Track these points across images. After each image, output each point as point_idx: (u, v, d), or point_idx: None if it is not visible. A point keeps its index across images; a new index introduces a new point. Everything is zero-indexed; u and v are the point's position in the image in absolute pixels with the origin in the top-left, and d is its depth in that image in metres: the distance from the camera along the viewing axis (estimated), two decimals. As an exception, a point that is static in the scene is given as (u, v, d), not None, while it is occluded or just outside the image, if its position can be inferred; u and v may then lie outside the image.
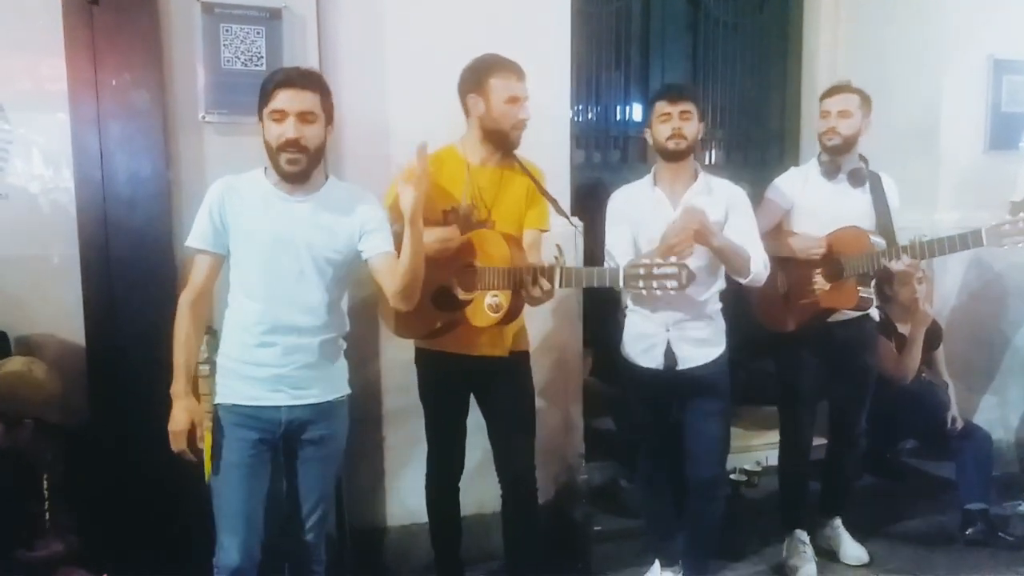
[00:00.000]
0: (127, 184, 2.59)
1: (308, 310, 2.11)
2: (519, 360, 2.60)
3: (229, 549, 2.09)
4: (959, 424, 3.47)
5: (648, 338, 2.69)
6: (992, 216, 3.00)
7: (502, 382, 2.55)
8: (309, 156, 2.05)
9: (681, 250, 2.33)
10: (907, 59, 3.88)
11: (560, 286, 2.25)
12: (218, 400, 2.13)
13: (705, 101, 4.19)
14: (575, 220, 3.11)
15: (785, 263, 2.96)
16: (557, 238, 2.51)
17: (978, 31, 3.79)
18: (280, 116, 2.01)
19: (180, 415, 2.10)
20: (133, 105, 2.57)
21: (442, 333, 2.47)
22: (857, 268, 2.83)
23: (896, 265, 2.77)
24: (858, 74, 3.99)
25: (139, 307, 2.61)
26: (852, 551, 3.18)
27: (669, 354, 2.66)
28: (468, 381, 2.59)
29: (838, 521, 3.24)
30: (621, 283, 2.20)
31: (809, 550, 3.10)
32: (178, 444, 2.11)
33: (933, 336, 3.53)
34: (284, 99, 2.01)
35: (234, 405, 2.11)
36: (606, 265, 2.59)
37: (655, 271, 2.15)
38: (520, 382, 2.61)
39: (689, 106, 2.61)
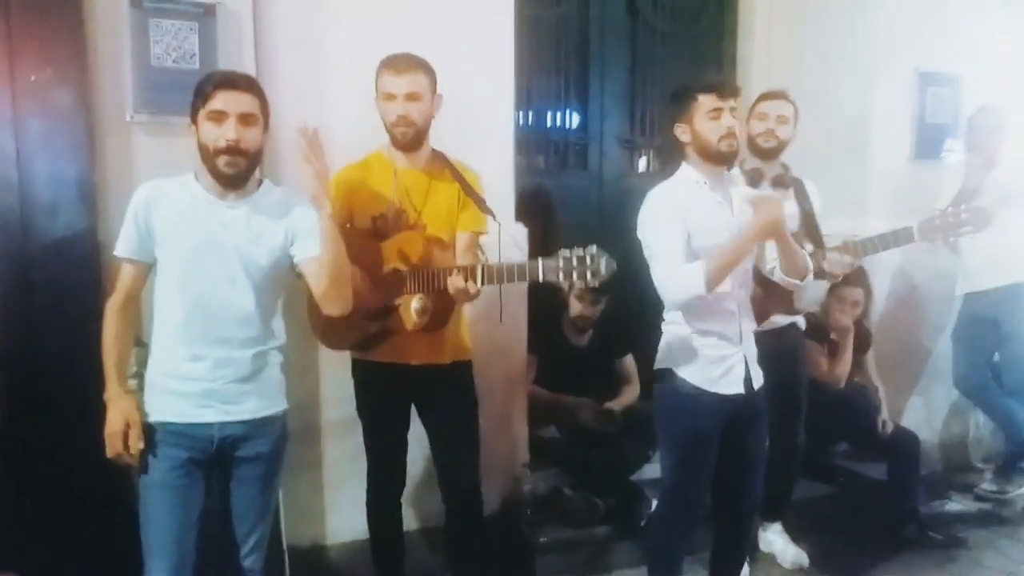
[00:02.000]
0: (48, 187, 2.43)
1: (240, 320, 2.02)
2: (461, 370, 2.54)
3: (158, 573, 1.99)
4: (889, 427, 3.56)
5: (725, 360, 2.38)
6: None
7: (444, 393, 2.49)
8: (248, 160, 1.98)
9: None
10: (838, 70, 4.00)
11: (482, 283, 2.19)
12: (147, 418, 2.02)
13: (642, 109, 4.27)
14: (518, 227, 3.09)
15: None
16: (499, 241, 2.46)
17: (905, 44, 3.93)
18: (219, 117, 1.93)
19: (115, 417, 1.98)
20: (55, 103, 2.41)
21: (373, 343, 2.40)
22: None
23: (835, 265, 2.73)
24: (791, 84, 4.08)
25: (60, 319, 2.45)
26: (791, 554, 3.22)
27: (747, 375, 2.40)
28: (408, 392, 2.51)
29: (778, 526, 3.28)
30: (540, 276, 2.11)
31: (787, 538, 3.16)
32: (114, 448, 1.99)
33: (863, 340, 3.64)
34: (224, 100, 1.93)
35: (163, 423, 2.01)
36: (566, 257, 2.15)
37: (573, 262, 2.07)
38: (462, 393, 2.55)
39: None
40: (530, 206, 3.61)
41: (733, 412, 2.37)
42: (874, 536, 3.44)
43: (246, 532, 2.13)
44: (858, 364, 3.65)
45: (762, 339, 2.65)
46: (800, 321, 3.11)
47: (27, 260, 2.44)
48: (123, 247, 2.01)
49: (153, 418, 2.02)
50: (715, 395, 2.36)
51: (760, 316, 2.55)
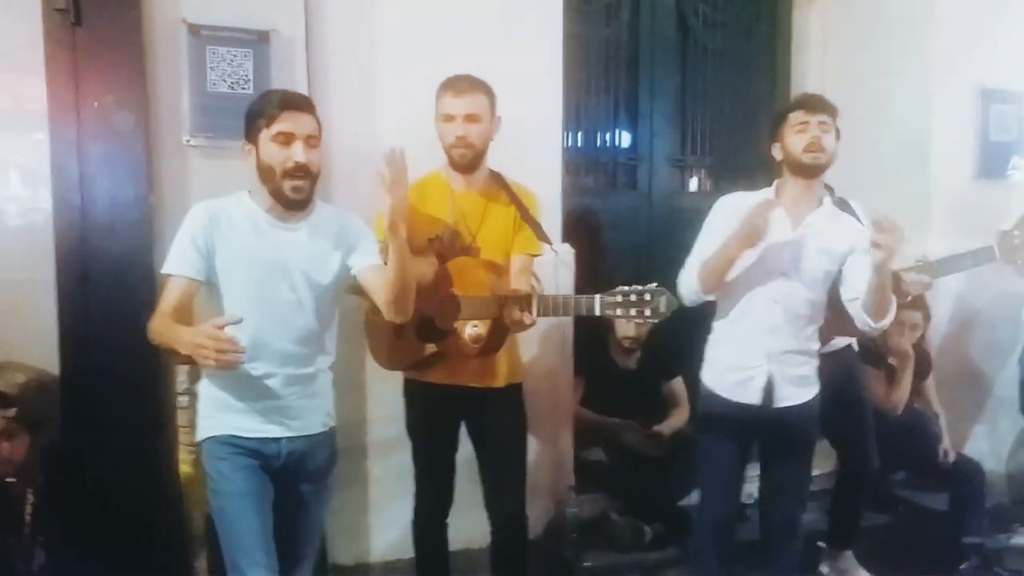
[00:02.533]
0: (107, 208, 2.52)
1: (304, 339, 2.03)
2: (512, 392, 2.53)
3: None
4: (951, 456, 3.43)
5: (745, 370, 2.44)
6: (982, 244, 3.01)
7: (494, 415, 2.48)
8: (312, 181, 1.98)
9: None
10: (895, 86, 3.90)
11: (537, 315, 2.17)
12: (211, 433, 2.01)
13: (693, 128, 4.22)
14: (565, 247, 3.08)
15: None
16: (550, 264, 2.46)
17: (966, 60, 3.81)
18: (287, 139, 1.92)
19: (190, 333, 1.82)
20: (115, 127, 2.50)
21: (428, 365, 2.41)
22: None
23: (914, 285, 2.60)
24: (846, 100, 3.97)
25: (117, 335, 2.51)
26: None
27: (768, 389, 2.43)
28: (459, 413, 2.52)
29: (850, 553, 3.18)
30: (598, 311, 2.10)
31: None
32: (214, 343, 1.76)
33: (923, 366, 3.52)
34: (291, 121, 1.92)
35: (232, 436, 1.99)
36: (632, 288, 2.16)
37: (632, 298, 2.06)
38: (512, 415, 2.54)
39: (828, 118, 2.39)
40: (579, 226, 3.60)
41: (756, 426, 2.43)
42: (933, 569, 3.31)
43: (299, 550, 2.11)
44: (917, 390, 3.52)
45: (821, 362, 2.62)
46: (854, 342, 3.03)
47: (87, 278, 2.52)
48: (178, 264, 1.96)
49: (221, 432, 2.00)
50: (730, 402, 2.44)
51: (822, 340, 2.56)
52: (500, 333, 2.29)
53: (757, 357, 2.42)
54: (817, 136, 2.36)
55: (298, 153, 1.92)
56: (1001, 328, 3.88)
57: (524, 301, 2.17)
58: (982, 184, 3.88)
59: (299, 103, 1.96)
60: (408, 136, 2.80)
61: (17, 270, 2.60)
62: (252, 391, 1.99)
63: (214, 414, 2.03)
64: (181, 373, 2.52)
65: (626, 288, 2.08)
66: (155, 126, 2.58)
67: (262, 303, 1.98)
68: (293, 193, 1.95)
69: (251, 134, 1.96)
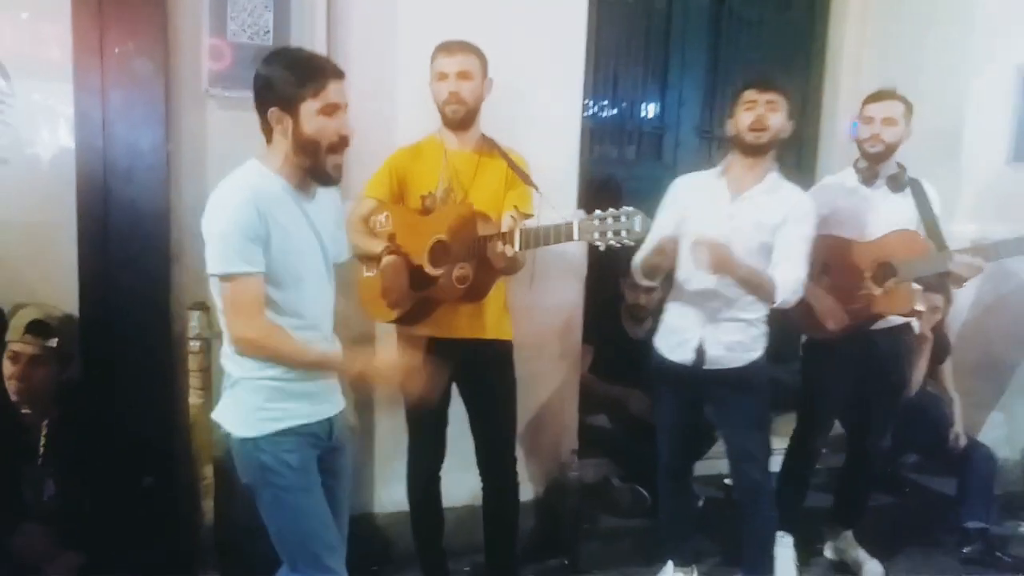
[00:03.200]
0: (126, 154, 2.56)
1: (330, 313, 2.00)
2: (501, 349, 2.58)
3: (338, 569, 1.93)
4: (962, 441, 3.40)
5: (680, 333, 2.64)
6: (1011, 229, 2.95)
7: (484, 370, 2.54)
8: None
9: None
10: (934, 64, 3.79)
11: (521, 248, 2.18)
12: (276, 427, 1.86)
13: (722, 99, 4.15)
14: (580, 213, 3.08)
15: (831, 266, 2.86)
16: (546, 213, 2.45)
17: (1006, 40, 3.69)
18: (333, 110, 1.79)
19: (387, 362, 1.92)
20: (135, 74, 2.53)
21: (418, 315, 2.43)
22: (913, 272, 2.74)
23: (964, 268, 2.65)
24: (881, 77, 3.93)
25: (133, 280, 2.61)
26: (869, 565, 3.11)
27: (699, 351, 2.59)
28: (454, 365, 2.53)
29: (851, 535, 3.18)
30: (576, 236, 2.11)
31: (793, 553, 3.04)
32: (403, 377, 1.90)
33: (941, 350, 3.47)
34: (339, 92, 1.80)
35: (302, 425, 1.89)
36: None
37: (608, 222, 2.07)
38: (502, 371, 2.59)
39: (777, 97, 2.49)
40: (599, 196, 3.58)
41: (693, 384, 2.62)
42: (937, 552, 3.31)
43: (344, 525, 2.05)
44: (933, 374, 3.49)
45: (875, 339, 2.87)
46: (915, 323, 3.03)
47: (106, 222, 2.58)
48: (247, 262, 1.76)
49: (285, 424, 1.86)
50: (669, 361, 2.65)
51: (872, 317, 2.79)
52: (486, 275, 2.32)
53: (693, 321, 2.60)
54: (762, 115, 2.47)
55: (344, 126, 1.81)
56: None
57: (508, 236, 2.20)
58: (1016, 167, 3.77)
59: (341, 71, 1.83)
60: (427, 97, 2.84)
61: (39, 213, 2.67)
62: (304, 373, 1.89)
63: (270, 405, 1.86)
64: (193, 318, 2.59)
65: (602, 212, 2.09)
66: (175, 74, 2.62)
67: (308, 279, 1.89)
68: (335, 171, 1.85)
69: (289, 103, 1.78)
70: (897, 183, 2.88)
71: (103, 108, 2.56)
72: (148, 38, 2.54)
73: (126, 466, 2.62)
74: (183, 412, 2.64)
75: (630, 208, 2.08)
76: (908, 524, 3.46)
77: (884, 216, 2.84)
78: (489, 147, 2.53)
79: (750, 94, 2.50)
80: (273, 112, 1.79)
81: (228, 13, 2.61)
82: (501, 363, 2.58)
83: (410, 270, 2.34)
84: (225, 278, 1.78)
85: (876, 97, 2.90)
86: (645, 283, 2.77)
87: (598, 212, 2.08)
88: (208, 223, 1.78)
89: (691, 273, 2.54)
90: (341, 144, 1.83)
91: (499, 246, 2.20)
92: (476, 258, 2.28)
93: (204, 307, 2.57)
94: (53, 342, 2.52)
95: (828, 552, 3.23)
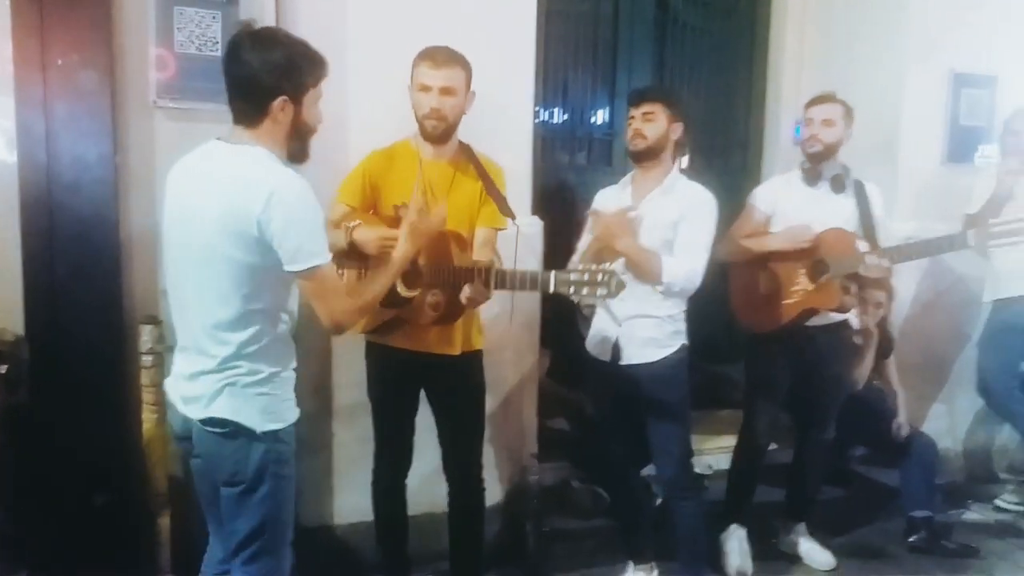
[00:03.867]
0: (72, 167, 2.51)
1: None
2: (471, 359, 2.57)
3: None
4: (905, 430, 3.51)
5: (601, 331, 2.76)
6: (948, 227, 3.07)
7: (452, 381, 2.53)
8: None
9: (601, 254, 2.44)
10: (870, 70, 3.93)
11: (494, 288, 2.20)
12: (294, 418, 1.91)
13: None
14: (534, 220, 3.12)
15: (767, 263, 2.99)
16: (511, 238, 2.48)
17: (939, 45, 3.84)
18: (318, 100, 1.90)
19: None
20: (80, 86, 2.49)
21: (389, 329, 2.44)
22: (842, 268, 2.86)
23: (870, 269, 2.80)
24: (821, 82, 4.04)
25: (82, 295, 2.55)
26: (819, 556, 3.21)
27: (616, 348, 2.70)
28: (418, 378, 2.55)
29: (803, 527, 3.27)
30: (552, 288, 2.14)
31: (746, 546, 3.14)
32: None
33: (885, 345, 3.58)
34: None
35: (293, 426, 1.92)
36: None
37: (585, 277, 2.10)
38: (471, 382, 2.58)
39: (652, 107, 2.63)
40: (552, 202, 3.62)
41: (614, 380, 2.73)
42: (884, 543, 3.41)
43: None
44: (879, 369, 3.60)
45: (813, 335, 3.00)
46: (854, 321, 3.14)
47: (52, 237, 2.52)
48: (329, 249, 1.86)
49: (298, 412, 1.93)
50: (593, 358, 2.79)
51: (805, 312, 2.93)
52: (458, 303, 2.31)
53: (610, 319, 2.72)
54: (638, 128, 2.65)
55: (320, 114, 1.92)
56: (962, 310, 3.93)
57: (482, 274, 2.20)
58: (950, 168, 3.92)
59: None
60: (378, 104, 2.85)
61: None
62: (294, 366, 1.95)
63: (291, 396, 1.92)
64: (145, 332, 2.55)
65: (581, 266, 2.12)
66: (121, 86, 2.57)
67: None
68: (305, 152, 1.92)
69: (298, 91, 1.82)
70: (839, 184, 2.99)
71: (46, 121, 2.51)
72: (93, 49, 2.50)
73: (79, 486, 2.56)
74: (136, 428, 2.59)
75: (608, 266, 2.11)
76: (857, 516, 3.57)
77: (825, 215, 2.95)
78: (466, 158, 2.49)
79: (630, 111, 2.69)
80: (281, 100, 1.79)
81: (175, 24, 2.59)
82: (471, 374, 2.57)
83: None
84: (321, 267, 1.80)
85: (817, 100, 3.04)
86: None
87: (577, 265, 2.12)
88: (304, 215, 1.76)
89: None
90: (317, 129, 1.91)
91: (476, 287, 2.18)
92: (450, 287, 2.25)
93: (155, 321, 2.53)
94: (2, 368, 2.45)
95: (782, 545, 3.30)
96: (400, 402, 2.58)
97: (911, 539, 3.36)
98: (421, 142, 2.47)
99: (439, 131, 2.40)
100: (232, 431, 1.82)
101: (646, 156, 2.66)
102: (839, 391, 3.15)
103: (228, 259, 1.75)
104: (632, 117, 2.67)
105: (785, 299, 2.96)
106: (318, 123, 1.90)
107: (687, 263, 2.56)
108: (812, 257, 2.91)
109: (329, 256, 1.82)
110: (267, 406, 1.85)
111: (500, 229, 2.50)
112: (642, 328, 2.67)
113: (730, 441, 3.36)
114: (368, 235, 2.29)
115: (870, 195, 3.02)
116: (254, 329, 1.80)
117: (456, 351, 2.49)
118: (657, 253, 2.54)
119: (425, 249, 2.29)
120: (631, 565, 2.94)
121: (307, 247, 1.76)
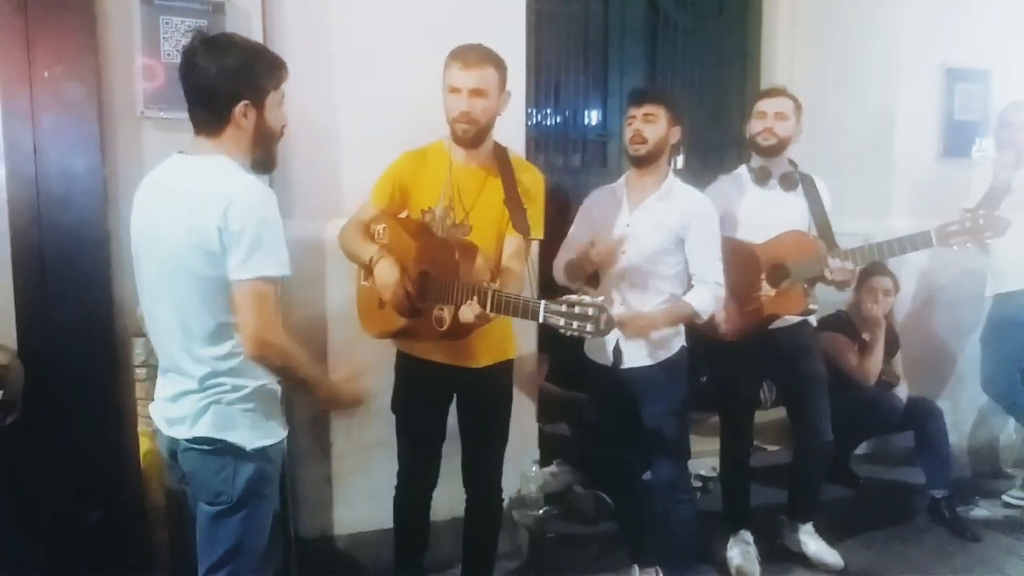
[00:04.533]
0: (60, 179, 2.49)
1: None
2: (500, 369, 2.49)
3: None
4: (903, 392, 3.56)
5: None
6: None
7: (481, 391, 2.47)
8: None
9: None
10: (863, 66, 3.93)
11: (491, 311, 2.09)
12: (283, 435, 1.89)
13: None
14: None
15: (729, 269, 2.85)
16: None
17: (932, 39, 3.83)
18: (283, 100, 1.87)
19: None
20: (67, 98, 2.46)
21: (402, 337, 2.40)
22: (804, 273, 2.82)
23: (835, 272, 2.76)
24: (814, 80, 4.06)
25: (73, 309, 2.52)
26: (828, 557, 3.16)
27: (616, 352, 2.66)
28: (449, 389, 2.49)
29: (810, 527, 3.22)
30: (541, 318, 2.02)
31: (753, 550, 3.10)
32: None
33: (891, 343, 3.55)
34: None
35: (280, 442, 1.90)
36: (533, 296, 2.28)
37: (576, 311, 1.98)
38: (499, 393, 2.52)
39: (654, 108, 2.57)
40: (548, 204, 3.58)
41: (615, 383, 2.69)
42: (894, 542, 3.37)
43: None
44: (886, 368, 3.56)
45: (776, 336, 2.95)
46: (811, 319, 3.07)
47: (42, 248, 2.50)
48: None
49: (286, 429, 1.91)
50: (594, 363, 2.74)
51: (768, 318, 2.88)
52: (463, 324, 2.19)
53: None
54: (639, 129, 2.57)
55: (285, 115, 1.88)
56: (964, 305, 3.90)
57: (480, 295, 2.09)
58: (946, 163, 3.90)
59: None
60: (366, 110, 2.83)
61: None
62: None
63: (277, 411, 1.89)
64: (138, 346, 2.52)
65: (573, 298, 1.99)
66: (108, 97, 2.55)
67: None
68: (274, 158, 1.89)
69: (258, 95, 1.78)
70: (790, 182, 2.95)
71: (34, 134, 2.49)
72: (79, 61, 2.48)
73: (74, 502, 2.53)
74: (131, 443, 2.56)
75: (600, 300, 1.98)
76: (865, 515, 3.52)
77: (778, 216, 2.91)
78: (500, 164, 2.39)
79: (630, 110, 2.62)
80: (242, 106, 1.75)
81: (161, 34, 2.56)
82: (500, 385, 2.51)
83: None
84: (270, 280, 1.70)
85: (768, 94, 3.01)
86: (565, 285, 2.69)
87: (568, 298, 1.99)
88: (261, 223, 1.68)
89: (605, 276, 2.63)
90: (283, 133, 1.87)
91: (474, 308, 2.08)
92: (454, 304, 2.15)
93: (144, 334, 2.50)
94: None
95: (787, 542, 3.26)
96: (429, 415, 2.51)
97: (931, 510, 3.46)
98: (453, 146, 2.39)
99: (470, 135, 2.31)
100: (220, 448, 1.78)
101: (643, 161, 2.62)
102: (818, 388, 3.06)
103: (196, 274, 1.70)
104: (632, 116, 2.60)
105: (747, 307, 2.88)
106: (283, 127, 1.86)
107: (711, 283, 2.58)
108: (771, 262, 2.86)
109: (282, 275, 1.72)
110: (255, 422, 1.81)
111: (535, 239, 2.43)
112: None
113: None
114: (386, 276, 2.23)
115: (821, 190, 2.97)
116: (230, 343, 1.75)
117: (481, 364, 2.42)
118: (680, 300, 2.57)
119: (432, 262, 2.24)
120: (636, 569, 2.91)
121: (258, 257, 1.67)
